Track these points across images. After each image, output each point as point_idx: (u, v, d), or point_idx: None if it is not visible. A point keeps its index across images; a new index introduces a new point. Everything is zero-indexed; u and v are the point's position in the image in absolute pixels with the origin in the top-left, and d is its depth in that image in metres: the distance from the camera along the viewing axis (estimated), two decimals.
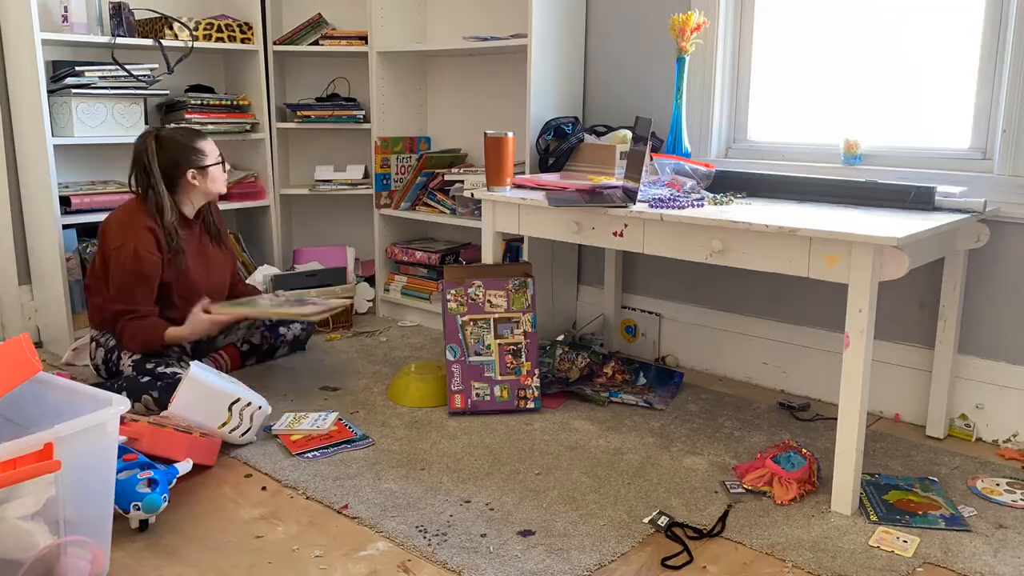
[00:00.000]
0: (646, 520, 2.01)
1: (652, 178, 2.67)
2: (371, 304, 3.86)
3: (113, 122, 3.24)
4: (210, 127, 3.52)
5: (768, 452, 2.27)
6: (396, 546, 1.91)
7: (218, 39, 3.53)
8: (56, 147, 3.08)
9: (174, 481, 2.04)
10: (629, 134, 2.85)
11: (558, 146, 3.06)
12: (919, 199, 2.26)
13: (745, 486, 2.18)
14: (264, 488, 2.19)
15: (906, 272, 1.95)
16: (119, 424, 1.78)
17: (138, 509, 1.92)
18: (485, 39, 3.26)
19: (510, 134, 2.75)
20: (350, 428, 2.51)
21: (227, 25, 3.55)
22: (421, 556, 1.87)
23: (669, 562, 1.85)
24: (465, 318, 2.68)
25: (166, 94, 3.46)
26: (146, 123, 3.34)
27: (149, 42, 3.31)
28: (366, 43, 3.68)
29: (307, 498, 2.13)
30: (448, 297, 2.68)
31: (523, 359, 2.68)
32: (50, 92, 3.07)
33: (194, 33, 3.41)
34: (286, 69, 3.94)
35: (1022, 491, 2.18)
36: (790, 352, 2.89)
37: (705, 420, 2.64)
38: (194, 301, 2.77)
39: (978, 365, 2.51)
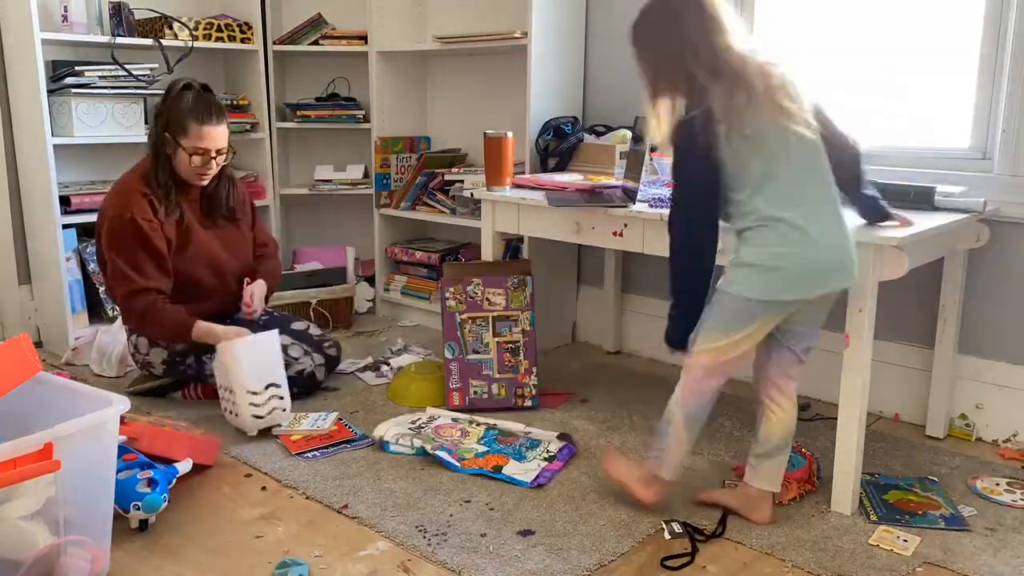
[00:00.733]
0: (653, 531, 2.01)
1: (652, 178, 2.67)
2: (371, 304, 3.86)
3: (113, 122, 3.24)
4: None
5: None
6: (396, 546, 1.91)
7: (218, 39, 3.52)
8: (56, 147, 3.08)
9: (174, 481, 2.04)
10: (629, 134, 2.85)
11: (558, 146, 3.06)
12: (919, 199, 2.25)
13: None
14: (264, 488, 2.19)
15: (906, 272, 1.94)
16: (119, 424, 1.78)
17: (138, 509, 1.92)
18: (483, 38, 3.26)
19: (510, 134, 2.74)
20: (350, 428, 2.51)
21: (227, 25, 3.55)
22: (421, 556, 1.87)
23: (669, 562, 1.85)
24: (464, 316, 2.68)
25: None
26: (146, 123, 3.34)
27: (149, 42, 3.31)
28: (366, 43, 3.68)
29: (307, 498, 2.13)
30: (447, 295, 2.68)
31: (521, 357, 2.68)
32: (50, 92, 3.07)
33: (194, 33, 3.41)
34: (286, 69, 3.94)
35: (1022, 491, 2.18)
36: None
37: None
38: (222, 277, 2.66)
39: (978, 365, 2.51)
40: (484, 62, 3.65)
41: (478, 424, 2.51)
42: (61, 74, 3.11)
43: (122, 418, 2.07)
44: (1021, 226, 2.40)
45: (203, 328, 2.56)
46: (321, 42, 3.74)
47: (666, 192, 2.53)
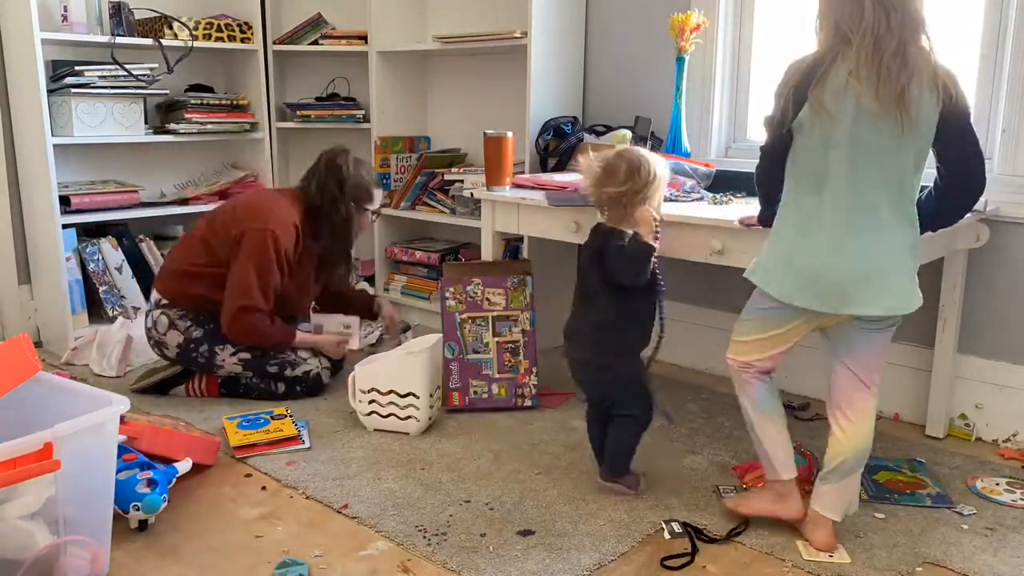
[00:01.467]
0: (653, 531, 2.01)
1: None
2: None
3: (113, 122, 3.24)
4: (210, 127, 3.52)
5: None
6: (396, 546, 1.91)
7: (218, 39, 3.52)
8: (56, 147, 3.08)
9: (173, 481, 2.04)
10: (629, 134, 2.85)
11: (558, 146, 3.06)
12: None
13: (745, 485, 2.18)
14: (264, 488, 2.19)
15: None
16: (119, 424, 1.78)
17: (138, 509, 1.91)
18: (483, 38, 3.26)
19: (510, 134, 2.74)
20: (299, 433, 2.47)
21: (227, 25, 3.55)
22: (421, 556, 1.87)
23: (669, 562, 1.85)
24: (464, 316, 2.68)
25: (166, 94, 3.46)
26: (146, 122, 3.34)
27: (149, 42, 3.30)
28: (366, 43, 3.68)
29: (307, 498, 2.13)
30: (447, 295, 2.68)
31: (521, 357, 2.68)
32: (50, 92, 3.07)
33: (194, 33, 3.41)
34: (286, 69, 3.94)
35: (1022, 491, 2.18)
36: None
37: (705, 420, 2.64)
38: (284, 309, 2.78)
39: (978, 365, 2.51)
40: (484, 62, 3.65)
41: None
42: (61, 74, 3.11)
43: (122, 418, 2.07)
44: (1021, 226, 2.40)
45: (307, 339, 2.84)
46: (321, 42, 3.74)
47: (665, 192, 2.52)
